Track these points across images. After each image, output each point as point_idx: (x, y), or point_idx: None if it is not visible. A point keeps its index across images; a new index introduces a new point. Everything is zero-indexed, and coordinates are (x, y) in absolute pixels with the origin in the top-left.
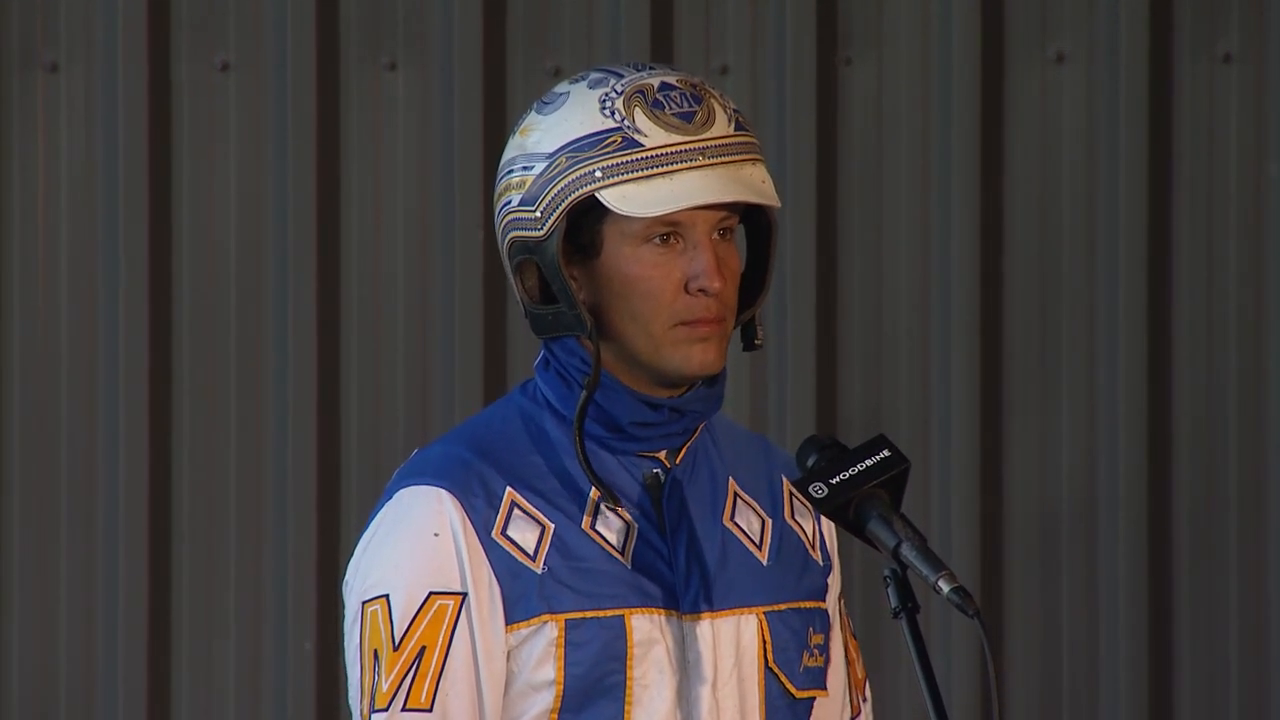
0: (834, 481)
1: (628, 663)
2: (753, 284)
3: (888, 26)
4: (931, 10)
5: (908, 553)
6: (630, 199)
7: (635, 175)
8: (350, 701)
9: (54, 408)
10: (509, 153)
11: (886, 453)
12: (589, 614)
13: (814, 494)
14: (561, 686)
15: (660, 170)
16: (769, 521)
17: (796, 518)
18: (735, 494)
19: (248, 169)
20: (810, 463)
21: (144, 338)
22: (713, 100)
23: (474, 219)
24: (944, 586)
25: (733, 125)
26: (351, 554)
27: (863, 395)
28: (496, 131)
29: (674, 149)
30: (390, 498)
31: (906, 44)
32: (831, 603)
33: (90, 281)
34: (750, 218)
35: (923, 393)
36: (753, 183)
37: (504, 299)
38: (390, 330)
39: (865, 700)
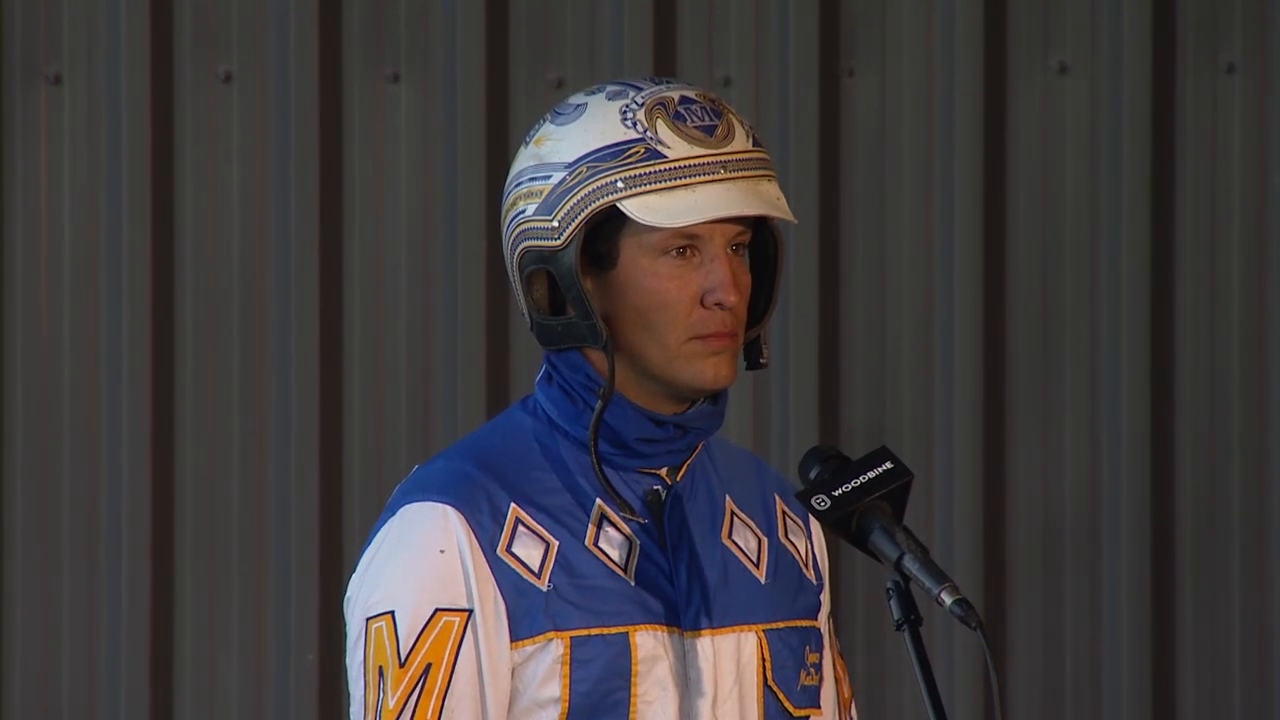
0: (837, 493)
1: (632, 679)
2: (755, 303)
3: (890, 37)
4: (934, 21)
5: (910, 565)
6: (653, 210)
7: (658, 186)
8: (352, 717)
9: (57, 419)
10: (521, 162)
11: (889, 465)
12: (594, 631)
13: (816, 506)
14: (566, 704)
15: (683, 182)
16: (765, 540)
17: (790, 537)
18: (732, 512)
19: (250, 180)
20: (813, 474)
21: (147, 349)
22: (731, 115)
23: (476, 229)
24: (947, 599)
25: (750, 141)
26: (354, 569)
27: (865, 407)
28: (499, 143)
29: (697, 161)
30: (394, 513)
31: (909, 55)
32: (822, 621)
33: (93, 293)
34: (754, 237)
35: (926, 405)
36: (770, 198)
37: (507, 309)
38: (393, 340)
39: None
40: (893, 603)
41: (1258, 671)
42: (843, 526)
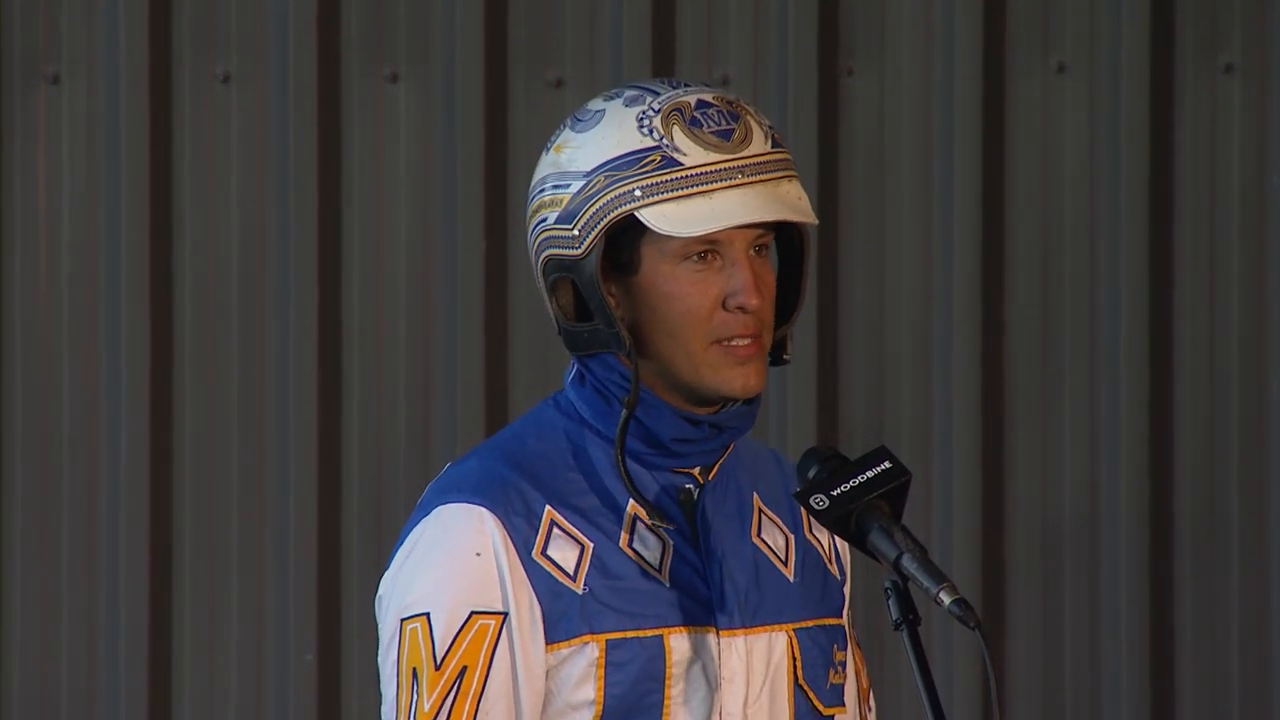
0: (835, 493)
1: (666, 682)
2: (783, 300)
3: (889, 36)
4: (933, 20)
5: (909, 564)
6: (670, 218)
7: (674, 194)
8: (384, 718)
9: (56, 419)
10: (542, 170)
11: (888, 464)
12: (630, 634)
13: (815, 505)
14: (601, 706)
15: (699, 189)
16: (792, 538)
17: (815, 532)
18: (760, 510)
19: (249, 180)
20: (811, 474)
21: (146, 349)
22: (749, 117)
23: (476, 230)
24: (945, 598)
25: (769, 142)
26: (386, 567)
27: (864, 406)
28: (498, 142)
29: (713, 168)
30: (428, 513)
31: (908, 54)
32: (845, 615)
33: (92, 293)
34: (781, 232)
35: (924, 404)
36: (790, 200)
37: (507, 309)
38: (392, 342)
39: (870, 710)
40: (891, 602)
41: (1258, 671)
42: (841, 526)
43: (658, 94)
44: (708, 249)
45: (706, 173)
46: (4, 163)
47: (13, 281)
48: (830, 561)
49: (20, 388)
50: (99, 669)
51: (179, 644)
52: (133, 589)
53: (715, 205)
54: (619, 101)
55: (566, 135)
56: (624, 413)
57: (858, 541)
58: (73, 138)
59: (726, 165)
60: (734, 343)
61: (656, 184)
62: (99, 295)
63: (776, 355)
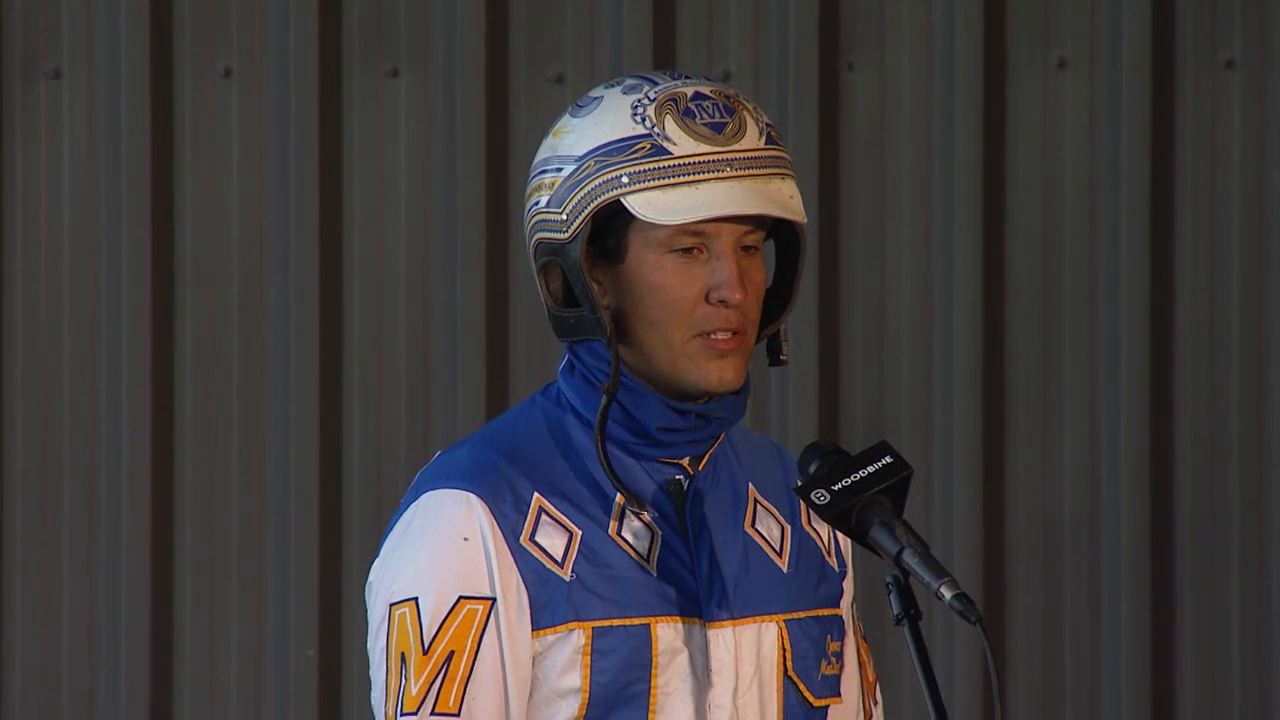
0: (836, 488)
1: (652, 671)
2: (779, 301)
3: (890, 32)
4: (933, 16)
5: (910, 559)
6: (654, 206)
7: (661, 183)
8: (373, 703)
9: (57, 415)
10: (541, 154)
11: (889, 459)
12: (616, 622)
13: (816, 500)
14: (587, 694)
15: (686, 179)
16: (789, 528)
17: (814, 524)
18: (755, 500)
19: (250, 175)
20: (812, 469)
21: (147, 345)
22: (745, 112)
23: (476, 225)
24: (946, 593)
25: (764, 139)
26: (376, 555)
27: (865, 402)
28: (498, 138)
29: (701, 158)
30: (417, 499)
31: (908, 50)
32: (845, 607)
33: (93, 289)
34: (779, 234)
35: (925, 399)
36: (779, 197)
37: (507, 305)
38: (392, 336)
39: (876, 704)
40: (892, 597)
41: (1258, 671)
42: (842, 521)
43: (656, 84)
44: (694, 241)
45: (694, 163)
46: (5, 158)
47: (13, 277)
48: (829, 554)
49: (20, 384)
50: (99, 666)
51: (180, 640)
52: (133, 586)
53: (701, 196)
54: (618, 89)
55: (565, 120)
56: (603, 398)
57: (859, 537)
58: (74, 133)
59: (715, 157)
60: (715, 336)
61: (644, 171)
62: (100, 291)
63: (774, 357)
